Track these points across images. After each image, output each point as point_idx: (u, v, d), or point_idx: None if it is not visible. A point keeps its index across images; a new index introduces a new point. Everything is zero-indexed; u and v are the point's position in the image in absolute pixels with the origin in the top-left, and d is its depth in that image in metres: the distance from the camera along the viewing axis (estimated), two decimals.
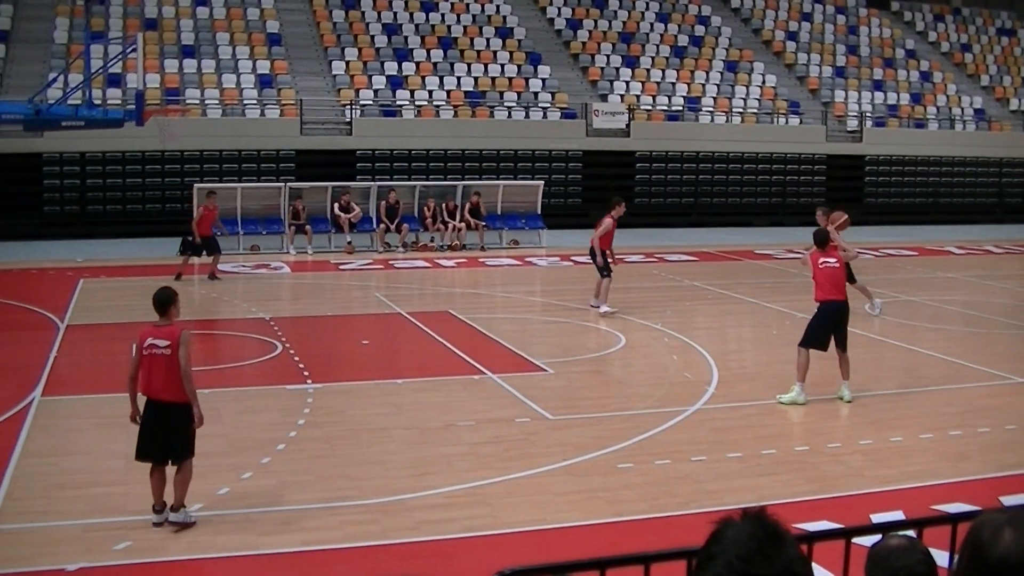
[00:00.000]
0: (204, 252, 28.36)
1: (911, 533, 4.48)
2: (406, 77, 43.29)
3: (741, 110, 46.66)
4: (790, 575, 2.95)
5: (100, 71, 28.96)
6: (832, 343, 16.27)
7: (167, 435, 10.62)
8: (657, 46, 49.33)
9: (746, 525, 2.99)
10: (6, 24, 41.48)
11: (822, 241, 16.74)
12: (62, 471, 12.43)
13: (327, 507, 11.27)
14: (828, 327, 16.23)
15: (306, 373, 17.51)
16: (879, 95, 50.59)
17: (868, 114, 48.59)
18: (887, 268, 32.18)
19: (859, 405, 15.94)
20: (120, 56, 28.86)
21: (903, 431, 14.48)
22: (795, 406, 15.72)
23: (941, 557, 4.19)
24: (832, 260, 16.40)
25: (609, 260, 23.65)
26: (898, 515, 10.80)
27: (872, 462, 13.10)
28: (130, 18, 42.31)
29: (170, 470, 10.73)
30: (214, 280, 27.60)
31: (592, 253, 23.71)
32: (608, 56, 47.77)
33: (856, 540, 4.95)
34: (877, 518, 10.66)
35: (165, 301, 10.89)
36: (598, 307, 23.31)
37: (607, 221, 23.86)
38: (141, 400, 10.82)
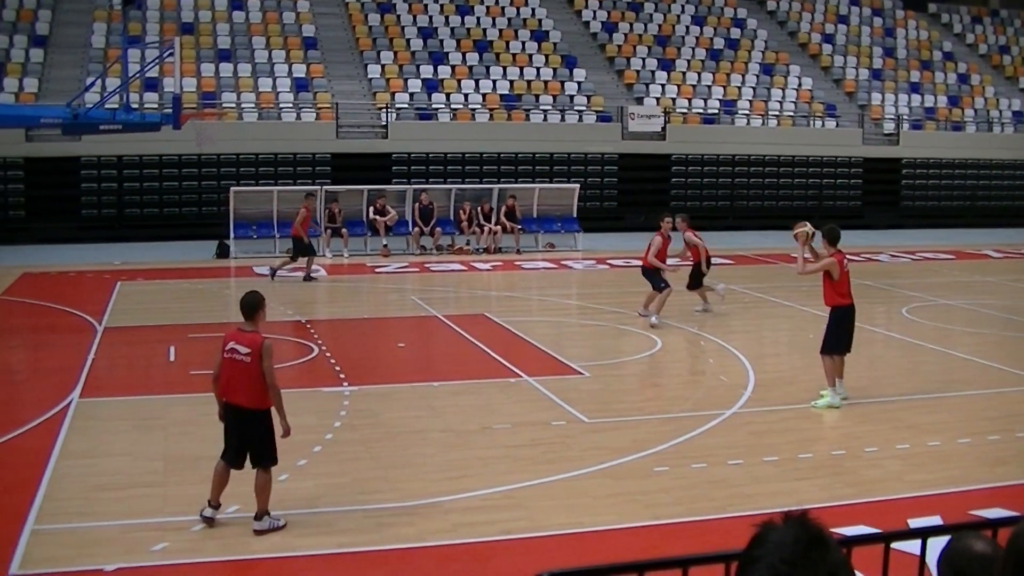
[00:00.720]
0: (296, 254, 28.63)
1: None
2: (442, 80, 43.39)
3: (777, 113, 46.53)
4: None
5: (137, 75, 29.05)
6: None
7: (241, 439, 10.68)
8: (693, 49, 49.27)
9: (789, 529, 2.97)
10: (44, 29, 41.78)
11: (837, 238, 16.04)
12: (100, 472, 12.49)
13: (363, 509, 11.28)
14: (849, 330, 16.07)
15: (342, 376, 17.54)
16: (916, 98, 50.33)
17: (905, 117, 48.37)
18: (924, 272, 32.03)
19: (896, 409, 15.87)
20: (157, 60, 28.98)
21: (941, 436, 14.38)
22: (831, 410, 15.66)
23: None
24: (847, 261, 16.15)
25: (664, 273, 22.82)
26: (936, 520, 10.73)
27: (910, 467, 13.02)
28: (167, 22, 42.56)
29: (237, 474, 10.86)
30: (309, 281, 28.25)
31: (646, 273, 23.11)
32: (643, 59, 47.72)
33: (895, 545, 4.92)
34: (915, 523, 10.60)
35: (253, 306, 10.84)
36: (648, 316, 22.63)
37: (657, 239, 23.17)
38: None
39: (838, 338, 15.98)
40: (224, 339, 10.81)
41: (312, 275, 28.65)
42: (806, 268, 15.96)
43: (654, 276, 22.88)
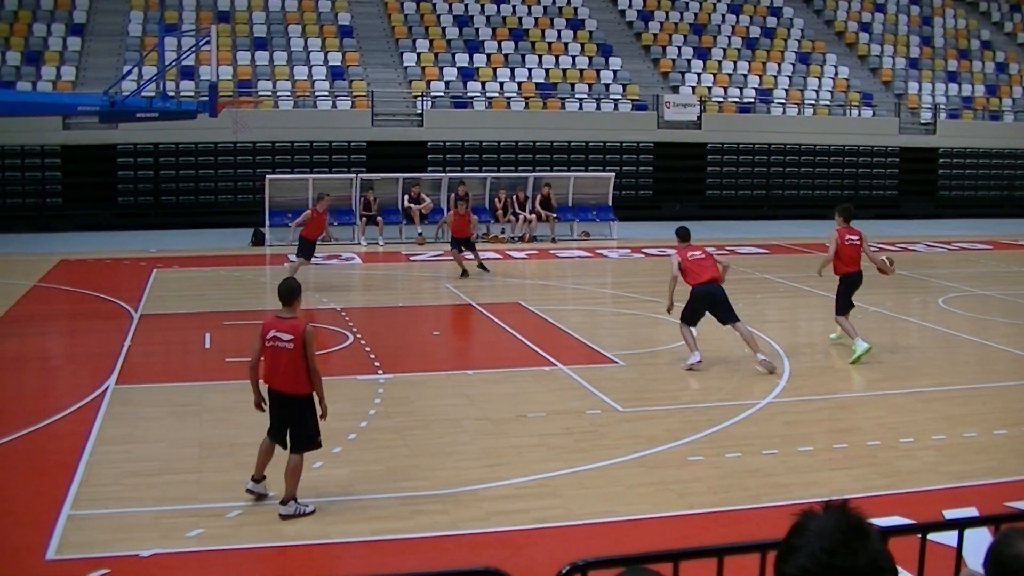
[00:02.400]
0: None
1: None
2: (477, 69, 43.39)
3: (813, 102, 46.34)
4: (875, 569, 2.91)
5: (174, 63, 29.20)
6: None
7: (284, 424, 10.83)
8: (729, 38, 49.09)
9: (830, 518, 2.96)
10: (82, 18, 42.00)
11: (849, 217, 19.13)
12: (136, 459, 12.55)
13: (397, 497, 11.30)
14: (852, 293, 18.88)
15: (377, 364, 17.58)
16: (953, 87, 50.02)
17: (942, 106, 48.07)
18: (960, 262, 31.84)
19: (932, 399, 15.78)
20: (193, 48, 29.08)
21: (977, 427, 14.30)
22: (868, 357, 17.93)
23: None
24: (855, 237, 18.87)
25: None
26: (972, 512, 10.67)
27: (945, 458, 12.95)
28: (203, 11, 42.70)
29: (275, 460, 11.02)
30: (484, 271, 28.07)
31: None
32: (679, 48, 47.59)
33: (931, 537, 4.90)
34: (950, 514, 10.54)
35: (291, 292, 10.96)
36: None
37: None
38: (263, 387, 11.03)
39: (842, 299, 18.85)
40: (264, 327, 10.89)
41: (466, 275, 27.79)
42: (825, 259, 19.24)
43: None
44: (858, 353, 17.98)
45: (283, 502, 10.69)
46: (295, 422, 10.81)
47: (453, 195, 31.74)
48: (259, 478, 11.03)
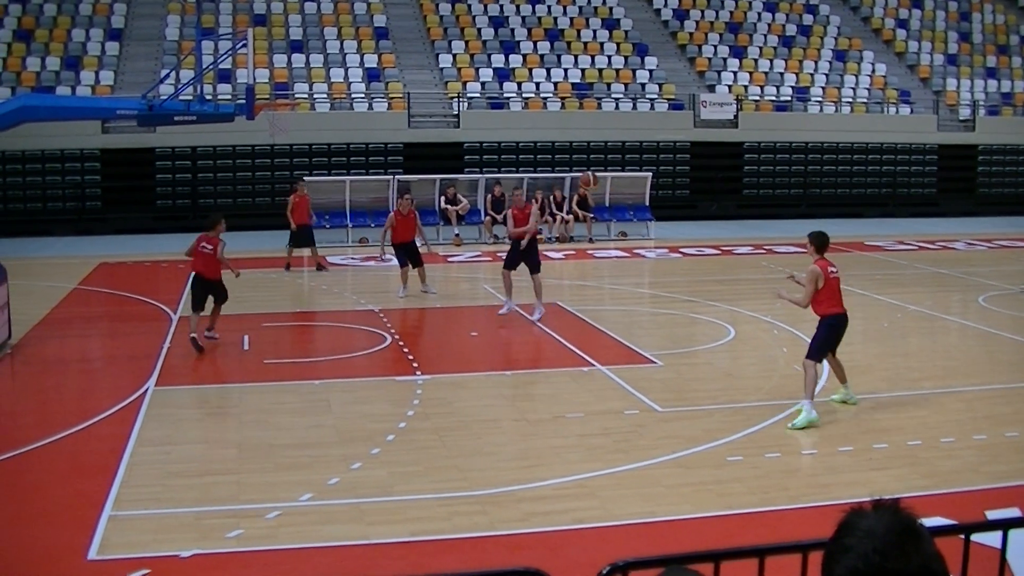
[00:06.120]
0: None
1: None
2: (513, 69, 43.38)
3: (850, 100, 46.11)
4: (927, 573, 2.85)
5: (211, 67, 29.22)
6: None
7: (206, 295, 19.38)
8: (765, 36, 48.91)
9: (882, 517, 2.90)
10: (120, 22, 42.26)
11: (825, 245, 14.88)
12: (176, 460, 12.62)
13: (436, 498, 11.30)
14: (836, 339, 14.92)
15: (415, 364, 17.60)
16: (992, 83, 49.65)
17: (981, 102, 47.73)
18: (1001, 260, 31.62)
19: (973, 399, 15.69)
20: (230, 52, 29.16)
21: (1019, 426, 14.19)
22: (811, 428, 14.13)
23: None
24: (834, 269, 14.74)
25: None
26: (1015, 512, 10.60)
27: (987, 457, 12.85)
28: (240, 14, 42.88)
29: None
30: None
31: None
32: (715, 46, 47.45)
33: (975, 537, 4.85)
34: (992, 515, 10.46)
35: (213, 221, 18.13)
36: None
37: None
38: None
39: (828, 345, 14.85)
40: (197, 240, 19.02)
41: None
42: (804, 297, 14.71)
43: None
44: (799, 422, 14.01)
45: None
46: (217, 294, 19.36)
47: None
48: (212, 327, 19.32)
